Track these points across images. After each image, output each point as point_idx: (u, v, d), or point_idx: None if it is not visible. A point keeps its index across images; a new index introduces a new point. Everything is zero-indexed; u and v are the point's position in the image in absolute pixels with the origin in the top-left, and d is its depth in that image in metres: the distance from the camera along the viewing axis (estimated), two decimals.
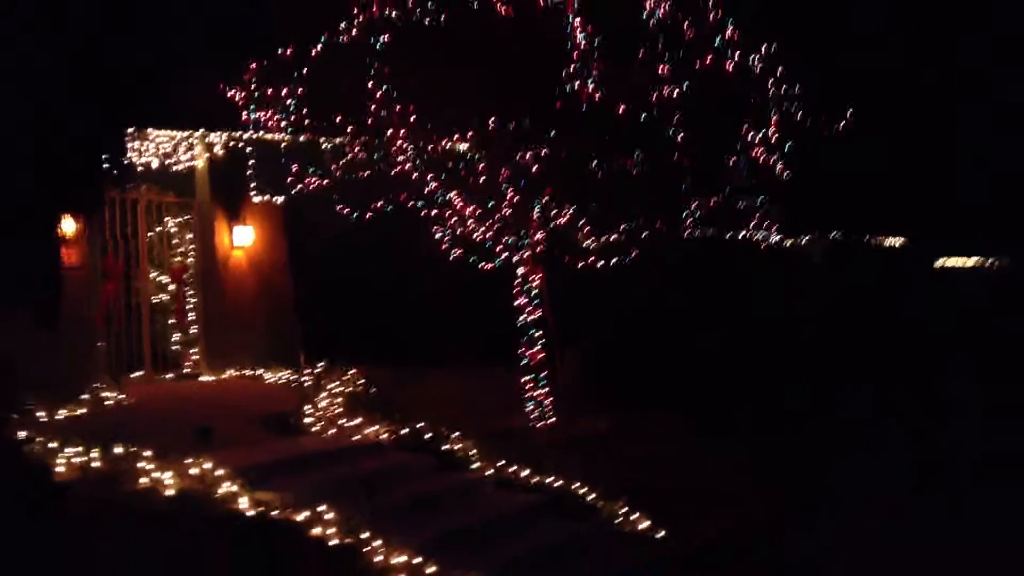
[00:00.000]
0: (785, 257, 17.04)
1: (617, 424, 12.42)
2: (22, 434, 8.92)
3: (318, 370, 14.00)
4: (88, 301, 12.91)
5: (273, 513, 8.07)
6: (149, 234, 14.53)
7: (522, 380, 12.38)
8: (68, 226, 12.66)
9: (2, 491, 7.49)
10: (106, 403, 11.76)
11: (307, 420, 10.74)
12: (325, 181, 13.53)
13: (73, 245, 12.73)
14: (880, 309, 16.06)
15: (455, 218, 12.36)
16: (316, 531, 7.94)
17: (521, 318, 12.34)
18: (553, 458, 10.88)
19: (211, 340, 14.65)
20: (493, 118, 11.39)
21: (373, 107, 11.81)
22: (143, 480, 8.38)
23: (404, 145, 12.10)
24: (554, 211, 12.09)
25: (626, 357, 14.27)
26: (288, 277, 15.53)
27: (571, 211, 12.05)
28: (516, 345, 12.43)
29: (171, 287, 14.73)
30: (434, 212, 12.43)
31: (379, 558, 7.81)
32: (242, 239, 14.93)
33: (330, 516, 8.09)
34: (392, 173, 12.47)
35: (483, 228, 12.22)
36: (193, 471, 8.51)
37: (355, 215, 13.30)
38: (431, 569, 7.80)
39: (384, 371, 14.17)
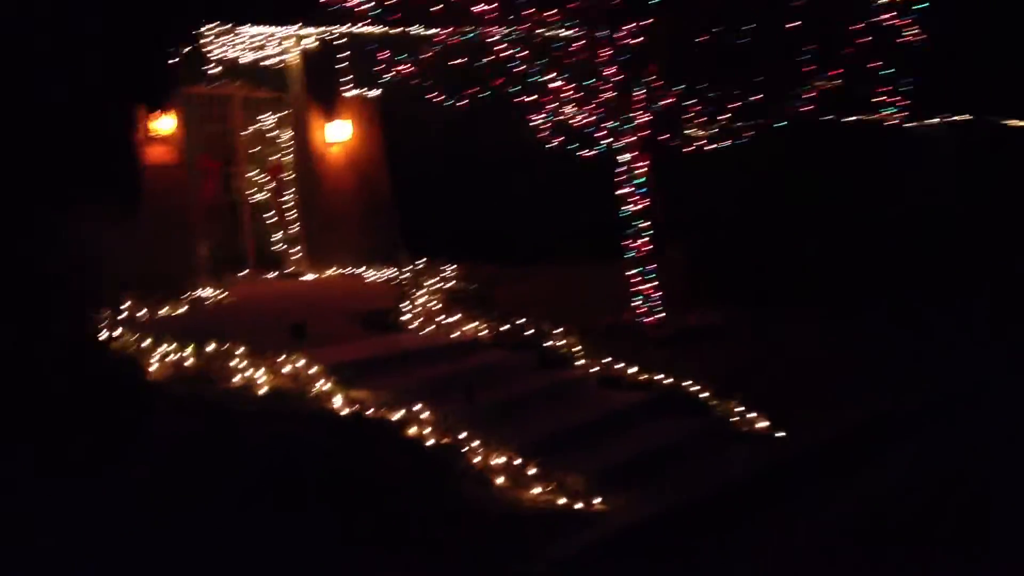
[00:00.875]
0: (913, 141, 15.77)
1: (729, 319, 11.64)
2: (114, 332, 8.64)
3: (418, 267, 13.56)
4: (186, 200, 12.61)
5: (368, 412, 7.67)
6: (245, 132, 14.12)
7: (628, 274, 11.67)
8: (163, 123, 12.28)
9: (90, 391, 7.16)
10: (205, 302, 11.48)
11: (405, 317, 10.29)
12: (417, 71, 12.82)
13: (168, 143, 12.37)
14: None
15: (554, 103, 11.57)
16: (412, 431, 7.50)
17: (626, 209, 11.57)
18: (661, 354, 10.25)
19: (311, 238, 14.29)
20: None
21: None
22: (236, 379, 8.05)
23: (498, 27, 11.31)
24: (659, 92, 11.20)
25: (737, 249, 13.41)
26: (385, 173, 15.03)
27: (678, 91, 11.14)
28: (621, 238, 11.70)
29: (270, 185, 14.35)
30: (532, 98, 11.65)
31: (477, 459, 7.34)
32: (338, 134, 14.43)
33: (426, 415, 7.64)
34: (487, 59, 11.70)
35: (583, 113, 11.42)
36: (287, 369, 8.15)
37: (450, 104, 12.60)
38: (532, 470, 7.31)
39: (485, 267, 13.68)
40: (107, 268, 9.24)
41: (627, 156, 11.49)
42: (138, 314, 9.98)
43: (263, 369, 8.09)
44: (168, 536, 6.18)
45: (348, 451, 7.21)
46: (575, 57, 11.32)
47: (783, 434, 8.88)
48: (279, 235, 14.42)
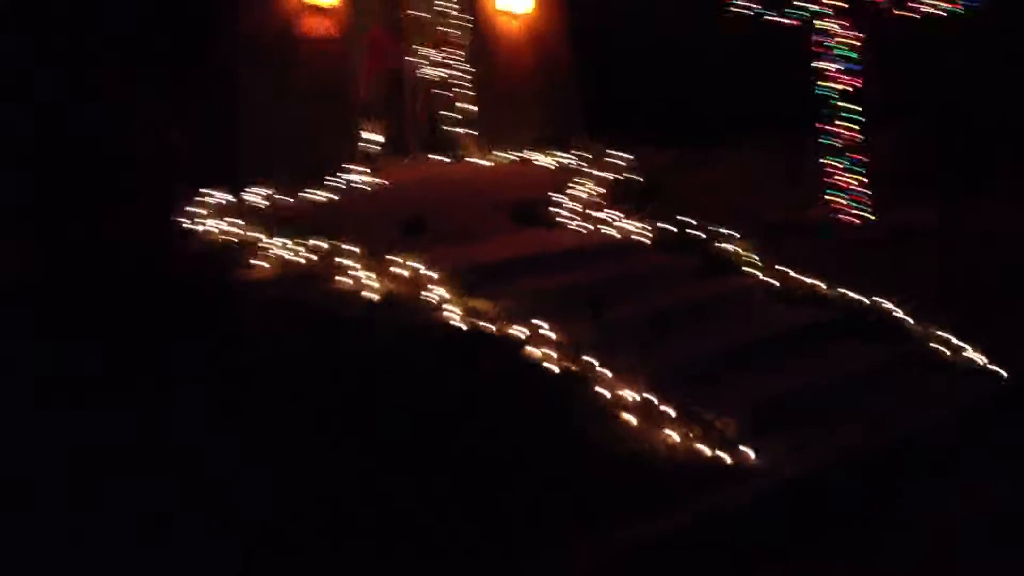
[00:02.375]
0: None
1: (945, 219, 9.65)
2: (219, 225, 7.75)
3: (593, 152, 12.14)
4: (345, 76, 11.57)
5: (484, 325, 6.48)
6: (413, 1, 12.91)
7: (824, 162, 9.86)
8: None
9: (161, 290, 6.28)
10: (354, 187, 10.52)
11: (556, 210, 8.97)
12: None
13: (327, 14, 11.29)
14: None
15: None
16: (533, 351, 6.27)
17: (824, 86, 9.68)
18: (853, 259, 8.53)
19: (483, 119, 13.01)
20: None
21: None
22: (344, 280, 7.02)
23: None
24: None
25: (964, 136, 11.22)
26: (567, 46, 13.50)
27: None
28: (819, 119, 9.85)
29: (439, 60, 13.14)
30: None
31: (604, 390, 6.04)
32: (515, 4, 12.97)
33: (552, 334, 6.38)
34: None
35: None
36: (403, 272, 7.04)
37: None
38: (669, 410, 5.94)
39: (666, 151, 12.13)
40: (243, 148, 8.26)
41: (827, 23, 9.55)
42: (258, 201, 9.06)
43: (375, 271, 7.01)
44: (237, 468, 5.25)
45: (457, 369, 6.08)
46: None
47: (1002, 370, 7.10)
48: (449, 115, 13.26)
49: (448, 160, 12.85)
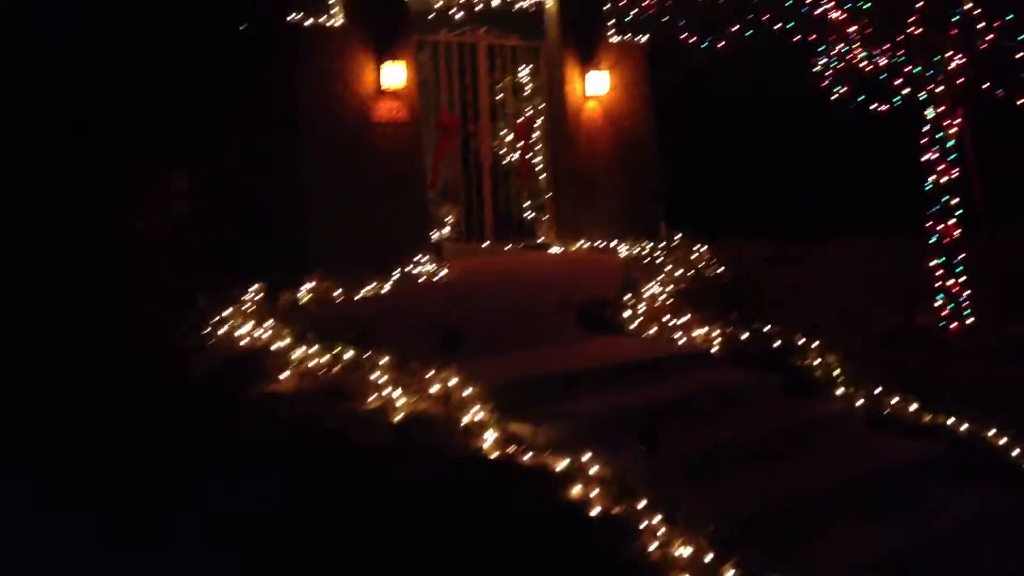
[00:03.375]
0: None
1: None
2: (253, 329, 7.01)
3: (674, 243, 11.21)
4: (415, 161, 10.91)
5: (521, 455, 5.55)
6: (490, 85, 12.23)
7: (929, 264, 8.71)
8: (394, 74, 10.60)
9: (167, 406, 5.53)
10: (418, 279, 9.77)
11: (626, 313, 8.02)
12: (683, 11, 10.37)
13: (399, 97, 10.69)
14: None
15: (840, 44, 8.74)
16: (574, 490, 5.31)
17: (930, 180, 8.57)
18: (965, 379, 7.36)
19: (561, 206, 12.21)
20: None
21: None
22: (372, 397, 6.18)
23: None
24: (982, 24, 8.08)
25: None
26: (651, 132, 12.62)
27: (1008, 21, 8.00)
28: (922, 214, 8.73)
29: (517, 145, 12.41)
30: (812, 37, 8.89)
31: (654, 545, 5.02)
32: (597, 87, 12.17)
33: (596, 468, 5.41)
34: None
35: (876, 54, 8.51)
36: (434, 388, 6.16)
37: (720, 51, 10.04)
38: (733, 572, 4.89)
39: (758, 245, 11.12)
40: (277, 240, 7.60)
41: (934, 111, 8.48)
42: (306, 296, 8.36)
43: (407, 386, 6.16)
44: None
45: (475, 514, 5.15)
46: None
47: None
48: (526, 202, 12.49)
49: (524, 248, 12.07)
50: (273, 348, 6.64)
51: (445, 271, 10.12)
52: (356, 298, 8.86)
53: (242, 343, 6.78)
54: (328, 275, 8.99)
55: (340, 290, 8.84)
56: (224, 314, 7.22)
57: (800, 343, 7.35)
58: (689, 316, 7.78)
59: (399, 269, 9.79)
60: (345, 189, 10.17)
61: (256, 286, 8.09)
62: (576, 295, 8.58)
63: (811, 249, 11.30)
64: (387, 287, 9.28)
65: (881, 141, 9.59)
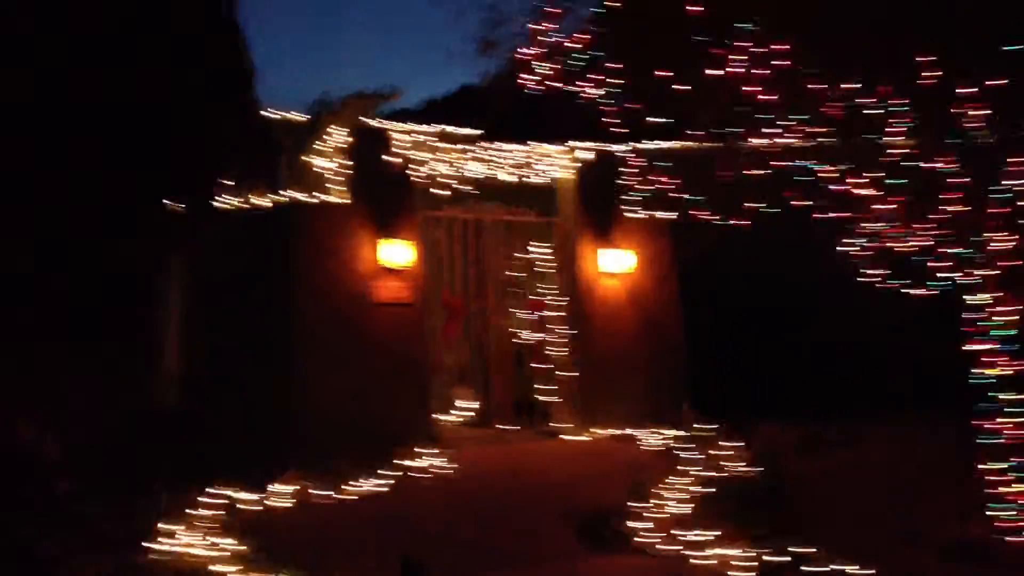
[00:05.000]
0: None
1: None
2: (199, 545, 6.02)
3: (701, 432, 10.15)
4: (418, 343, 10.09)
5: None
6: (500, 262, 11.50)
7: (984, 467, 7.57)
8: (396, 252, 9.92)
9: None
10: (415, 475, 8.81)
11: (637, 524, 6.94)
12: (707, 188, 9.62)
13: (402, 276, 9.97)
14: None
15: (874, 221, 7.87)
16: None
17: (977, 372, 7.53)
18: None
19: (577, 389, 11.23)
20: (925, 59, 6.80)
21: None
22: None
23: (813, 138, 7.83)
24: None
25: None
26: (676, 312, 11.73)
27: None
28: (974, 405, 7.65)
29: (529, 325, 11.57)
30: (839, 214, 8.05)
31: None
32: (615, 264, 11.40)
33: None
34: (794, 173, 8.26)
35: (912, 234, 7.62)
36: None
37: (744, 226, 9.21)
38: None
39: (792, 431, 10.03)
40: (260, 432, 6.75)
41: (981, 296, 7.52)
42: (280, 503, 7.39)
43: None
44: None
45: None
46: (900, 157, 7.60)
47: None
48: (541, 384, 11.55)
49: (539, 434, 11.06)
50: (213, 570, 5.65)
51: (444, 464, 9.15)
52: (339, 499, 7.92)
53: (181, 565, 5.79)
54: (312, 471, 8.11)
55: (323, 490, 7.91)
56: (175, 527, 6.24)
57: (837, 564, 6.20)
58: (713, 528, 6.68)
59: (394, 461, 8.86)
60: (339, 373, 9.37)
61: (223, 492, 7.16)
62: (581, 499, 7.57)
63: (850, 433, 10.18)
64: (375, 485, 8.33)
65: (923, 320, 8.65)
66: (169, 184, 7.09)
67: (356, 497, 7.99)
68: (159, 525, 6.08)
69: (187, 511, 6.62)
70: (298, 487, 7.80)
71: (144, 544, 5.86)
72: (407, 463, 8.92)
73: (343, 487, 8.08)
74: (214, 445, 8.14)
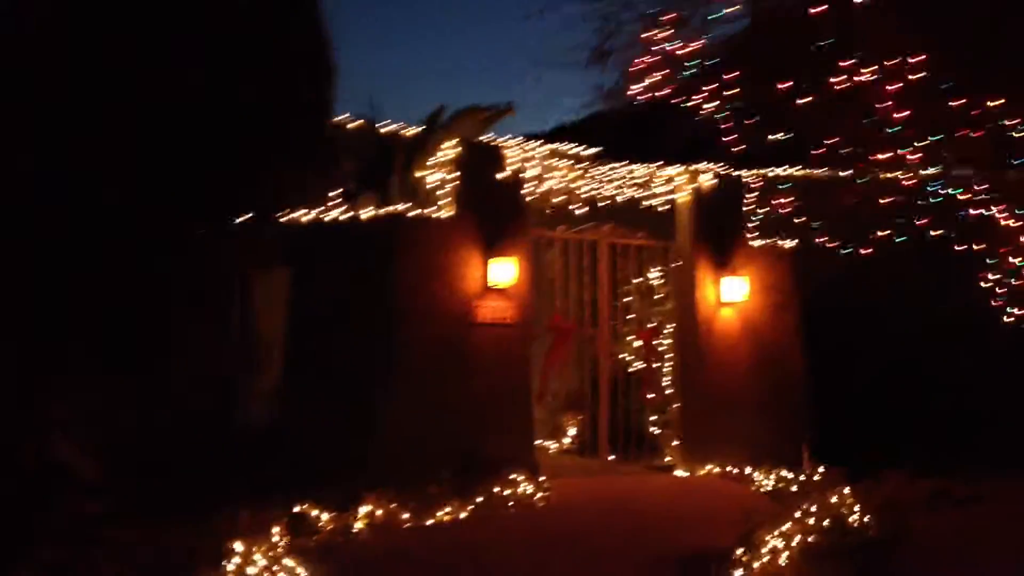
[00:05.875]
0: None
1: None
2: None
3: (818, 476, 9.43)
4: (518, 366, 9.66)
5: None
6: (613, 286, 11.00)
7: None
8: (501, 271, 9.54)
9: None
10: (507, 504, 8.39)
11: (738, 574, 6.34)
12: (835, 216, 9.01)
13: (506, 296, 9.59)
14: None
15: (1017, 256, 7.11)
16: None
17: None
18: None
19: (689, 423, 10.63)
20: None
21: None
22: None
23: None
24: None
25: None
26: (795, 343, 10.99)
27: None
28: None
29: (642, 353, 11.03)
30: (980, 247, 7.30)
31: None
32: (733, 293, 10.75)
33: None
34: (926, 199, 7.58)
35: None
36: None
37: (871, 258, 8.54)
38: None
39: (921, 482, 9.20)
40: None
41: None
42: (359, 526, 7.06)
43: None
44: None
45: None
46: None
47: None
48: (651, 416, 10.99)
49: (644, 468, 10.50)
50: None
51: (541, 495, 8.70)
52: (427, 523, 7.56)
53: None
54: (400, 494, 7.77)
55: (409, 515, 7.57)
56: (244, 549, 5.95)
57: None
58: None
59: (490, 488, 8.46)
60: (435, 395, 9.01)
61: (302, 512, 6.88)
62: (684, 541, 7.00)
63: (983, 487, 9.31)
64: (465, 513, 7.94)
65: None
66: (261, 193, 6.88)
67: (443, 525, 7.61)
68: (229, 545, 5.79)
69: (264, 531, 6.34)
70: (384, 510, 7.46)
71: (209, 566, 5.58)
72: (502, 492, 8.51)
73: (431, 513, 7.72)
74: (302, 464, 7.89)
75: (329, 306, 9.17)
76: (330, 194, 9.99)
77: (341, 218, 9.31)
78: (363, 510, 7.26)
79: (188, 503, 5.87)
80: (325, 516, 7.05)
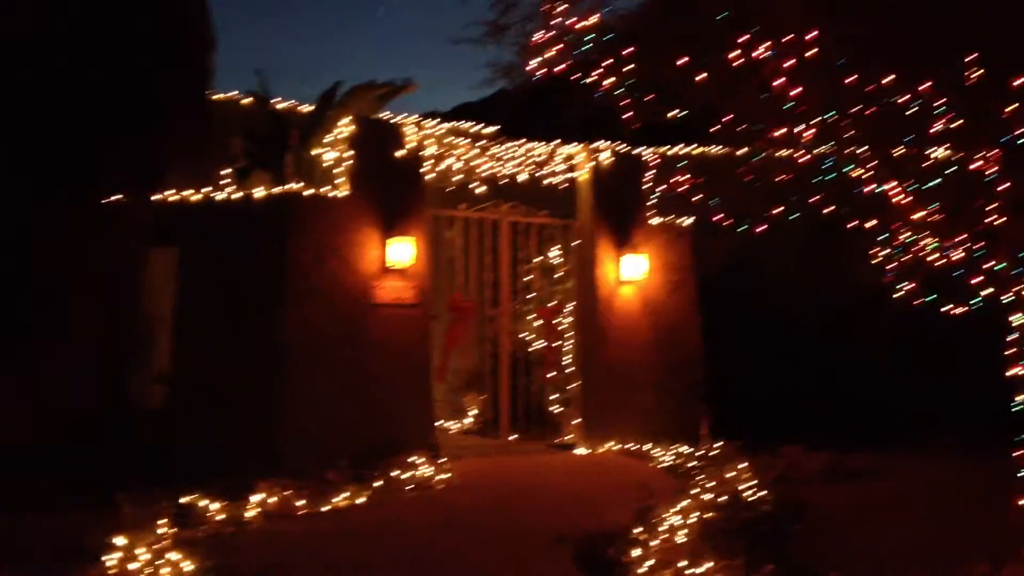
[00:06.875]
0: None
1: None
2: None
3: (716, 450, 9.47)
4: (418, 346, 9.46)
5: None
6: (512, 264, 10.87)
7: (1020, 502, 6.83)
8: (399, 251, 9.29)
9: None
10: (406, 487, 8.19)
11: (639, 552, 6.25)
12: (733, 194, 9.00)
13: (406, 276, 9.35)
14: None
15: (904, 231, 7.16)
16: None
17: (1020, 399, 6.78)
18: None
19: (589, 401, 10.57)
20: (970, 57, 6.10)
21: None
22: None
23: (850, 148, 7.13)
24: None
25: None
26: (695, 322, 11.02)
27: None
28: (1016, 435, 6.92)
29: (542, 331, 10.94)
30: (872, 223, 7.34)
31: None
32: (632, 271, 10.70)
33: None
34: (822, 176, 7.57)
35: (949, 247, 6.90)
36: None
37: (768, 235, 8.54)
38: None
39: (817, 456, 9.34)
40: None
41: (1021, 316, 6.77)
42: (249, 514, 6.78)
43: None
44: None
45: None
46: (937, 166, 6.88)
47: None
48: (552, 394, 10.91)
49: (547, 447, 10.42)
50: None
51: (441, 476, 8.53)
52: (322, 510, 7.32)
53: None
54: (297, 480, 7.52)
55: (305, 501, 7.32)
56: (131, 540, 5.62)
57: None
58: (711, 565, 5.99)
59: (389, 472, 8.26)
60: (333, 377, 8.76)
61: (194, 502, 6.57)
62: (583, 520, 6.90)
63: (880, 462, 9.48)
64: (362, 498, 7.72)
65: (965, 341, 7.96)
66: (131, 166, 6.50)
67: (339, 510, 7.38)
68: (114, 540, 5.47)
69: (150, 523, 6.01)
70: (278, 497, 7.20)
71: (88, 562, 5.26)
72: (401, 474, 8.31)
73: (327, 499, 7.49)
74: (194, 450, 7.57)
75: (222, 287, 8.84)
76: (221, 172, 9.63)
77: (233, 197, 8.97)
78: (256, 498, 6.98)
79: (66, 493, 5.52)
80: (215, 506, 6.75)
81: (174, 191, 8.82)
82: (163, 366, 8.50)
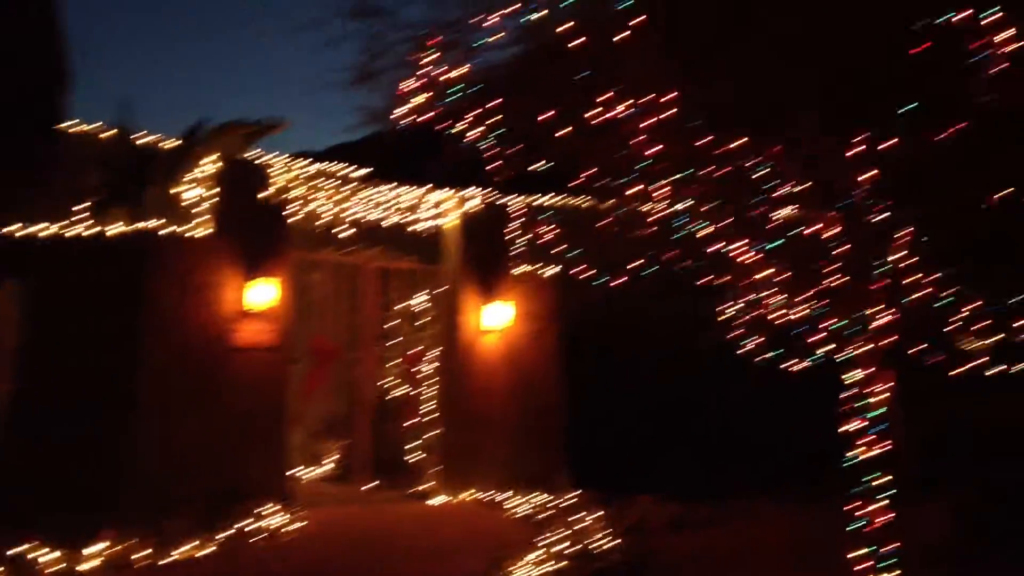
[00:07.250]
0: None
1: None
2: None
3: (571, 499, 9.55)
4: (273, 391, 9.27)
5: None
6: (376, 310, 10.80)
7: (856, 554, 7.09)
8: (259, 293, 9.11)
9: None
10: (254, 538, 7.97)
11: None
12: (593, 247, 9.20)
13: (267, 319, 9.17)
14: None
15: (751, 289, 7.41)
16: None
17: (852, 453, 7.05)
18: None
19: (449, 449, 10.48)
20: (815, 121, 6.40)
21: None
22: None
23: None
24: (913, 276, 6.81)
25: None
26: (555, 371, 11.11)
27: (942, 277, 6.75)
28: (845, 481, 7.19)
29: (403, 377, 10.88)
30: (724, 279, 7.58)
31: None
32: (495, 320, 10.74)
33: None
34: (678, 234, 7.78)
35: (792, 304, 7.18)
36: None
37: (627, 287, 8.71)
38: None
39: (667, 505, 9.51)
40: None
41: (858, 373, 7.08)
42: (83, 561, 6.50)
43: None
44: None
45: None
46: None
47: None
48: (412, 443, 10.81)
49: (403, 495, 10.28)
50: None
51: (293, 526, 8.34)
52: (163, 562, 7.06)
53: None
54: (139, 529, 7.22)
55: (145, 552, 7.04)
56: None
57: None
58: None
59: (239, 521, 8.02)
60: (184, 421, 8.48)
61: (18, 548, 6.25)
62: (435, 573, 6.87)
63: (726, 511, 9.72)
64: (209, 548, 7.48)
65: (808, 396, 8.28)
66: None
67: (182, 562, 7.13)
68: None
69: None
70: (121, 548, 6.91)
71: None
72: (252, 524, 8.09)
73: (172, 549, 7.23)
74: (32, 498, 7.22)
75: (70, 327, 8.50)
76: (77, 207, 9.30)
77: (85, 233, 8.67)
78: (96, 548, 6.67)
79: None
80: (52, 556, 6.43)
81: (20, 225, 8.48)
82: (8, 403, 8.10)
